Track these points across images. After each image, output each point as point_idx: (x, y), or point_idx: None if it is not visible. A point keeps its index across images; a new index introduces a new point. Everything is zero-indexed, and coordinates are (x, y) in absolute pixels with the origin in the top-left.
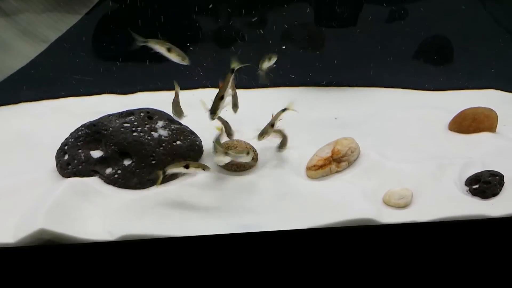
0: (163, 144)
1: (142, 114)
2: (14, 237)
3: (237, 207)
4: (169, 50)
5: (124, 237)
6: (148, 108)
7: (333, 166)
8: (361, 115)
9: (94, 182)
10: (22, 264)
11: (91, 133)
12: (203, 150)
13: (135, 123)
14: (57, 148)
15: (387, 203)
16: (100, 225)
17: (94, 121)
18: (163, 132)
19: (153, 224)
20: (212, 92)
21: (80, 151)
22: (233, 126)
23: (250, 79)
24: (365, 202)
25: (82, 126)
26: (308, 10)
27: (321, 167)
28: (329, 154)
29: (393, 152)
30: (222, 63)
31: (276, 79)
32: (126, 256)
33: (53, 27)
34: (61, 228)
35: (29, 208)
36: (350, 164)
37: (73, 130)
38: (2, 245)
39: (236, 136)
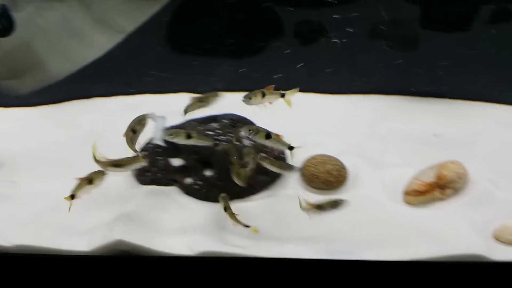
0: None
1: (225, 120)
2: (89, 246)
3: (324, 230)
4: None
5: (205, 253)
6: (231, 114)
7: (437, 193)
8: (465, 134)
9: (173, 191)
10: (96, 274)
11: None
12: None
13: (219, 131)
14: None
15: (498, 238)
16: (179, 239)
17: (175, 126)
18: (247, 143)
19: (234, 242)
20: (302, 96)
21: (159, 157)
22: (319, 138)
23: (338, 83)
24: (473, 235)
25: None
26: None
27: (422, 193)
28: (433, 179)
29: (506, 180)
30: (308, 61)
31: (367, 85)
32: (206, 273)
33: (130, 17)
34: (138, 239)
35: (105, 216)
36: (456, 191)
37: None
38: (76, 253)
39: (322, 150)
